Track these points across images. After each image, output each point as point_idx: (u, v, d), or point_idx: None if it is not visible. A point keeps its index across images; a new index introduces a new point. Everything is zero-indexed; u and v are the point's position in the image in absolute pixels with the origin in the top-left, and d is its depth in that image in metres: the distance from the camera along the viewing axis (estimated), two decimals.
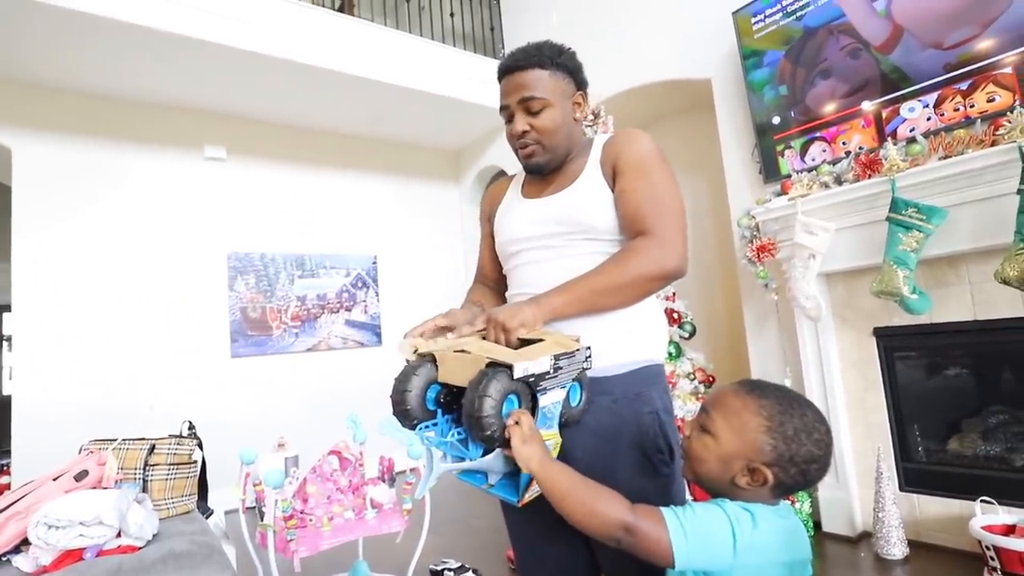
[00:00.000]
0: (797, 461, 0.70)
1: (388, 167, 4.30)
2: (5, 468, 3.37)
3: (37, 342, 2.92)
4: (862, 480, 2.24)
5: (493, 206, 1.24)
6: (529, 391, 0.80)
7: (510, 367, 0.76)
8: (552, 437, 0.83)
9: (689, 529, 0.68)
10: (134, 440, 1.48)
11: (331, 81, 3.25)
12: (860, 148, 2.17)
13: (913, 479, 2.14)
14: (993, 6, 1.83)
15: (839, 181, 2.21)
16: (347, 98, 3.49)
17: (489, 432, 0.75)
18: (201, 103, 3.41)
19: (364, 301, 4.04)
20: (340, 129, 3.99)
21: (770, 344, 2.59)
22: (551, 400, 0.83)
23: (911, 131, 2.03)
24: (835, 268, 2.25)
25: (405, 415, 0.84)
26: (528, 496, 0.81)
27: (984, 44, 1.86)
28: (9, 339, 6.60)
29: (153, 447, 1.46)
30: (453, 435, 0.84)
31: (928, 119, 1.99)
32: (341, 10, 4.06)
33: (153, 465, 1.43)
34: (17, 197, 2.96)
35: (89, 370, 3.02)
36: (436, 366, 0.86)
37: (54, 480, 1.22)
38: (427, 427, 0.84)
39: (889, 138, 2.08)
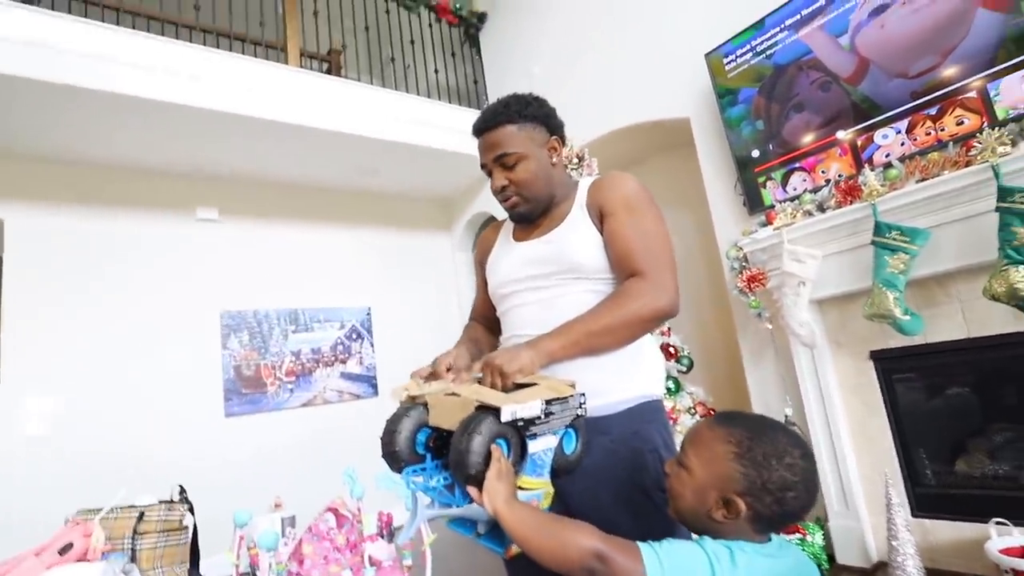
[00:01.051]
0: (771, 488, 0.68)
1: (379, 219, 4.36)
2: None
3: (26, 414, 2.86)
4: (872, 508, 2.18)
5: (485, 251, 1.28)
6: (519, 436, 0.78)
7: (499, 410, 0.75)
8: (543, 486, 0.81)
9: (666, 563, 0.65)
10: (123, 508, 1.43)
11: (321, 139, 3.32)
12: (839, 176, 2.22)
13: (924, 504, 2.09)
14: (950, 36, 1.92)
15: (822, 208, 2.25)
16: (337, 154, 3.57)
17: (474, 473, 0.74)
18: (192, 166, 3.47)
19: (359, 352, 4.01)
20: (331, 184, 4.06)
21: (768, 373, 2.57)
22: (542, 447, 0.81)
23: (887, 156, 2.09)
24: (826, 294, 2.26)
25: (393, 457, 0.83)
26: (515, 548, 0.78)
27: (947, 71, 1.94)
28: None
29: (142, 514, 1.41)
30: (439, 480, 0.82)
31: (902, 144, 2.05)
32: (329, 72, 4.21)
33: (142, 533, 1.38)
34: (8, 267, 2.96)
35: (79, 438, 2.94)
36: (427, 409, 0.85)
37: (36, 555, 1.17)
38: (415, 471, 0.83)
39: (866, 164, 2.13)
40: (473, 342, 1.20)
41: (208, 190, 3.63)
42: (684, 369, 2.66)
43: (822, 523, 2.27)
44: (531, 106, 1.11)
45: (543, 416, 0.80)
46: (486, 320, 1.28)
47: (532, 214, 1.13)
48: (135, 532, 1.38)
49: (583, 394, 0.87)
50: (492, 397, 0.79)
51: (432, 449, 0.86)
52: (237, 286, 3.61)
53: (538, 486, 0.80)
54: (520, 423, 0.77)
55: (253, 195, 3.79)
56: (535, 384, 0.85)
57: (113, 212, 3.30)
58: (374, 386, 4.00)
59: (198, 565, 1.70)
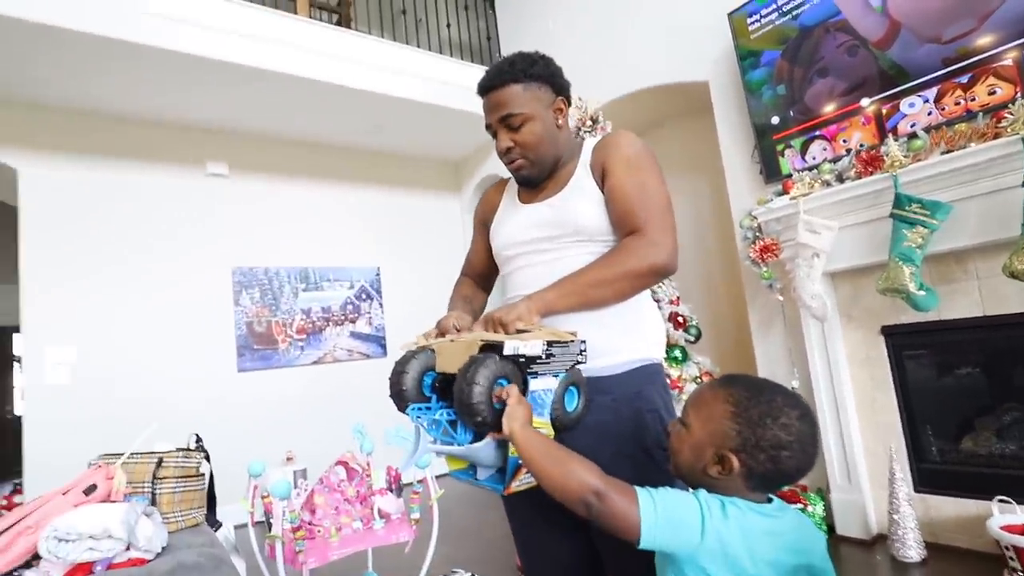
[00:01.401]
0: (764, 446, 0.70)
1: (389, 179, 4.33)
2: (18, 487, 3.38)
3: (46, 361, 2.93)
4: (875, 481, 2.21)
5: (488, 211, 1.27)
6: (520, 374, 0.81)
7: (501, 347, 0.78)
8: (543, 425, 0.83)
9: (660, 507, 0.69)
10: (142, 454, 1.48)
11: (331, 94, 3.27)
12: (861, 145, 2.16)
13: (927, 479, 2.12)
14: (988, 0, 1.83)
15: (840, 179, 2.20)
16: (347, 111, 3.52)
17: (480, 418, 0.77)
18: (202, 120, 3.44)
19: (368, 313, 4.05)
20: (341, 142, 4.01)
21: (777, 345, 2.57)
22: (542, 386, 0.83)
23: (912, 126, 2.03)
24: (840, 267, 2.23)
25: (400, 396, 0.86)
26: (515, 485, 0.81)
27: (983, 38, 1.86)
28: (19, 360, 6.65)
29: (161, 460, 1.46)
30: (443, 414, 0.85)
31: (929, 114, 1.99)
32: (339, 24, 4.10)
33: (161, 479, 1.43)
34: (24, 217, 2.99)
35: (98, 386, 3.02)
36: (434, 355, 0.89)
37: (63, 495, 1.22)
38: (420, 409, 0.86)
39: (890, 134, 2.07)
40: (465, 300, 1.23)
41: (218, 144, 3.60)
42: (692, 339, 2.67)
43: (823, 494, 2.31)
44: (537, 65, 1.08)
45: (543, 356, 0.82)
46: (479, 277, 1.30)
47: (538, 178, 1.12)
48: (154, 477, 1.42)
49: (583, 341, 0.89)
50: (494, 336, 0.82)
51: (437, 391, 0.89)
52: (248, 243, 3.63)
53: (539, 425, 0.82)
54: (522, 359, 0.80)
55: (263, 150, 3.76)
56: (538, 331, 0.88)
57: (124, 163, 3.30)
58: (383, 346, 4.05)
59: (215, 511, 1.76)
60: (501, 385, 0.79)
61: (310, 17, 3.39)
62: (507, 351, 0.78)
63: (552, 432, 0.84)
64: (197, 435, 1.79)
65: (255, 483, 1.69)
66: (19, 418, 3.00)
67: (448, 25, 4.05)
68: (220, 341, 3.45)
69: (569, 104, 1.13)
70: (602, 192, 1.05)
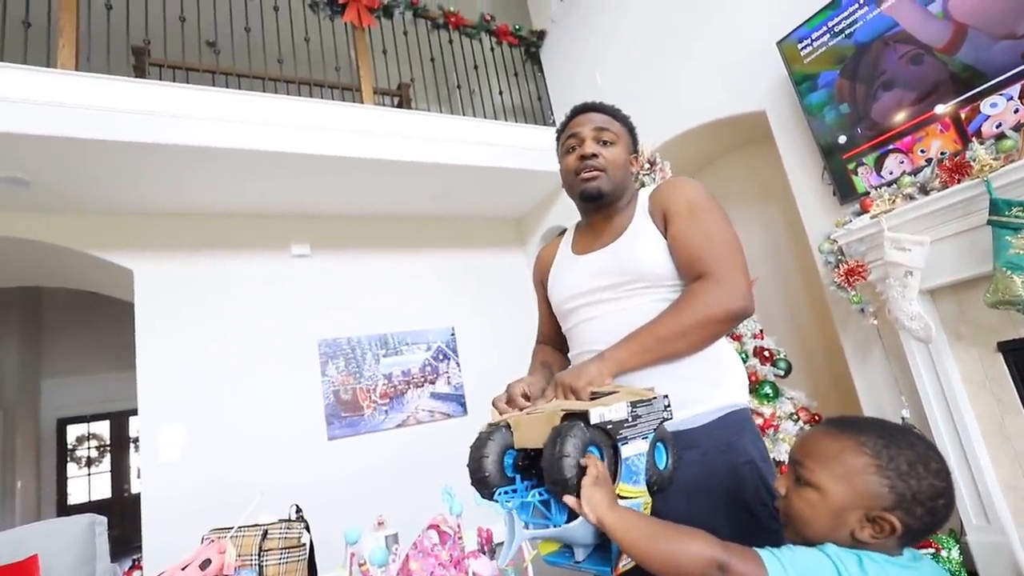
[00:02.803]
0: (921, 499, 0.61)
1: (457, 241, 4.50)
2: (137, 563, 3.60)
3: (159, 441, 3.18)
4: (1020, 518, 1.95)
5: (544, 269, 1.26)
6: (610, 441, 0.76)
7: (586, 415, 0.74)
8: (641, 494, 0.78)
9: (790, 568, 0.61)
10: (248, 527, 1.56)
11: (398, 170, 3.49)
12: (943, 153, 2.04)
13: None
14: None
15: (925, 191, 2.07)
16: (413, 183, 3.73)
17: (569, 479, 0.71)
18: (285, 207, 3.76)
19: (447, 373, 4.13)
20: (409, 212, 4.24)
21: (878, 373, 2.38)
22: (634, 451, 0.78)
23: (997, 127, 1.90)
24: (939, 283, 2.07)
25: (483, 483, 0.81)
26: (623, 565, 0.74)
27: None
28: (136, 441, 7.25)
29: (266, 532, 1.53)
30: (534, 495, 0.80)
31: (1015, 111, 1.86)
32: (399, 106, 4.43)
33: (267, 550, 1.50)
34: (139, 312, 3.33)
35: (205, 463, 3.23)
36: (511, 432, 0.84)
37: (182, 570, 1.30)
38: (506, 493, 0.81)
39: (973, 138, 1.94)
40: (544, 366, 1.19)
41: (300, 227, 3.91)
42: (782, 373, 2.52)
43: (957, 536, 2.06)
44: (629, 119, 1.18)
45: (630, 419, 0.78)
46: (553, 340, 1.26)
47: (606, 197, 1.10)
48: (260, 549, 1.49)
49: (666, 396, 0.84)
50: (576, 404, 0.78)
51: (521, 470, 0.84)
52: (331, 315, 3.84)
53: (637, 494, 0.77)
54: (609, 426, 0.75)
55: (340, 228, 4.04)
56: (614, 392, 0.84)
57: (220, 253, 3.64)
58: (463, 404, 4.10)
59: None
60: (592, 452, 0.75)
61: (374, 103, 3.68)
62: (594, 420, 0.73)
63: (650, 499, 0.80)
64: (297, 506, 1.87)
65: (351, 550, 1.73)
66: (137, 496, 3.24)
67: (500, 92, 4.27)
68: (311, 411, 3.62)
69: (637, 163, 1.19)
70: (665, 238, 1.03)
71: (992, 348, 2.02)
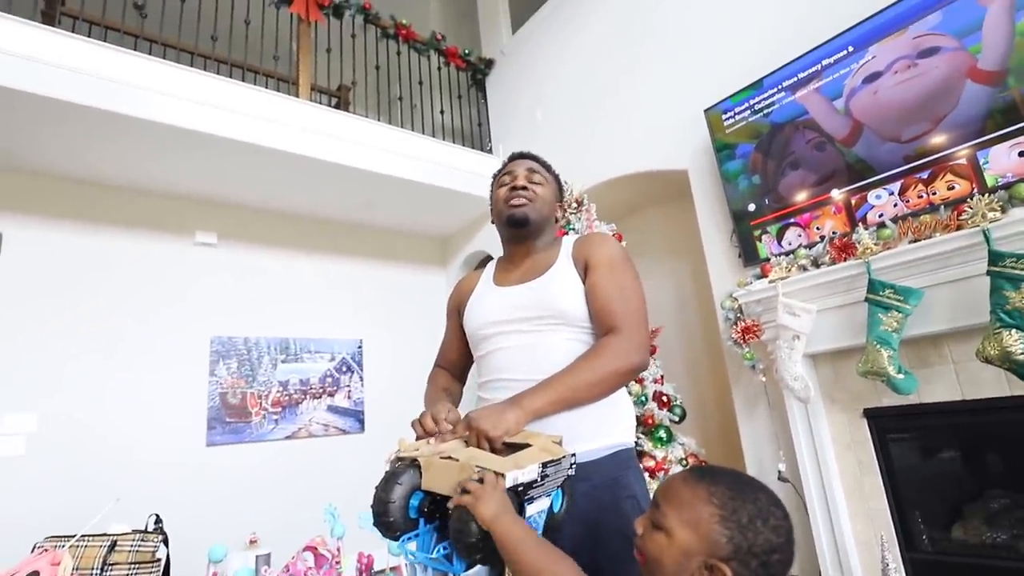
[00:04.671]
0: (756, 552, 0.64)
1: (376, 253, 4.38)
2: None
3: (3, 430, 2.78)
4: (868, 572, 2.13)
5: (462, 298, 1.32)
6: (518, 500, 0.78)
7: (501, 477, 0.75)
8: None
9: None
10: (94, 536, 1.38)
11: (325, 171, 3.37)
12: (834, 233, 2.26)
13: (921, 571, 2.04)
14: (940, 106, 2.00)
15: (816, 264, 2.28)
16: (340, 187, 3.61)
17: (480, 555, 0.73)
18: (195, 190, 3.50)
19: (348, 386, 3.96)
20: (331, 216, 4.09)
21: (761, 426, 2.55)
22: (537, 509, 0.81)
23: (880, 216, 2.14)
24: (820, 348, 2.27)
25: (388, 527, 0.80)
26: None
27: (938, 138, 2.01)
28: None
29: (115, 543, 1.36)
30: (438, 551, 0.79)
31: (895, 205, 2.10)
32: (337, 107, 4.30)
33: (113, 564, 1.33)
34: (2, 280, 2.94)
35: (56, 458, 2.86)
36: (419, 471, 0.83)
37: None
38: (409, 539, 0.81)
39: (860, 223, 2.17)
40: (445, 391, 1.24)
41: (208, 214, 3.65)
42: (676, 419, 2.64)
43: None
44: (557, 173, 1.33)
45: (539, 479, 0.80)
46: (453, 367, 1.33)
47: (531, 223, 1.20)
48: (104, 563, 1.32)
49: (574, 454, 0.89)
50: (490, 462, 0.78)
51: (425, 513, 0.83)
52: (230, 312, 3.59)
53: None
54: (520, 488, 0.77)
55: (252, 221, 3.81)
56: (524, 444, 0.86)
57: (112, 230, 3.31)
58: (361, 421, 3.93)
59: None
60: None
61: (311, 100, 3.55)
62: (507, 484, 0.75)
63: None
64: (157, 515, 1.68)
65: (214, 569, 1.58)
66: None
67: (442, 112, 4.27)
68: (191, 413, 3.32)
69: (561, 211, 1.32)
70: (583, 284, 1.13)
71: (859, 413, 2.23)
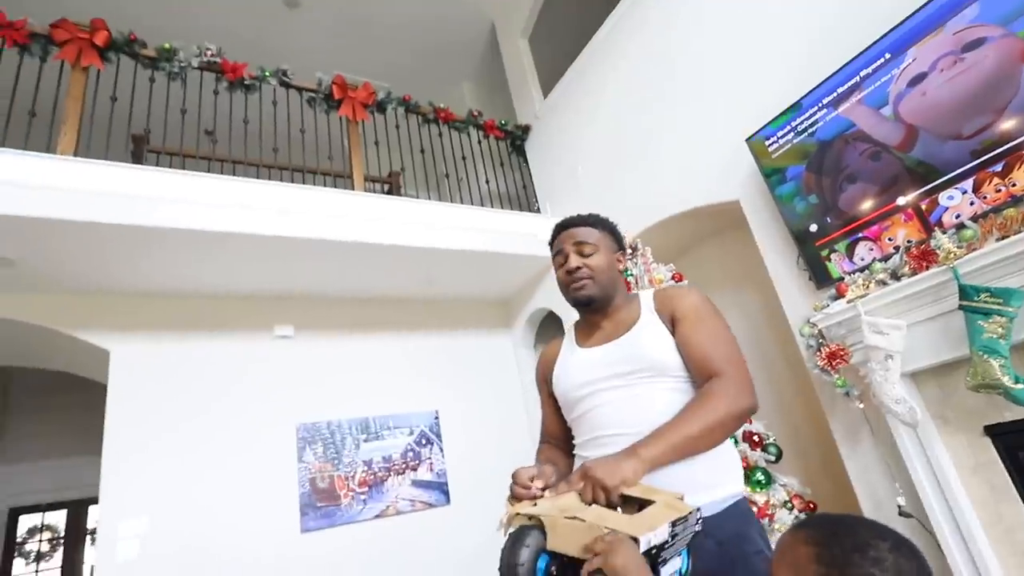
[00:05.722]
0: None
1: (442, 324, 4.49)
2: None
3: (119, 535, 2.96)
4: None
5: (548, 366, 1.32)
6: (650, 563, 0.75)
7: (634, 541, 0.73)
8: None
9: None
10: None
11: (384, 253, 3.55)
12: (909, 241, 2.14)
13: None
14: (1001, 92, 1.90)
15: (896, 276, 2.15)
16: (400, 266, 3.78)
17: None
18: (270, 288, 3.76)
19: (429, 459, 3.98)
20: (396, 295, 4.27)
21: (869, 458, 2.34)
22: (671, 570, 0.79)
23: (957, 217, 2.01)
24: (919, 366, 2.09)
25: None
26: None
27: (1005, 126, 1.89)
28: (93, 532, 6.72)
29: None
30: None
31: (971, 204, 1.97)
32: (389, 192, 4.58)
33: None
34: (112, 393, 3.21)
35: (167, 560, 3.00)
36: (543, 532, 0.82)
37: None
38: None
39: (936, 227, 2.05)
40: (550, 463, 1.19)
41: (284, 309, 3.89)
42: (772, 458, 2.47)
43: None
44: (608, 222, 1.30)
45: (671, 540, 0.78)
46: (557, 440, 1.29)
47: (596, 301, 1.20)
48: None
49: (699, 509, 0.85)
50: (620, 524, 0.76)
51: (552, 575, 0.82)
52: (312, 398, 3.74)
53: None
54: (653, 551, 0.75)
55: (325, 310, 4.03)
56: (645, 500, 0.83)
57: (200, 336, 3.58)
58: (446, 492, 3.91)
59: None
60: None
61: (365, 191, 3.80)
62: (642, 547, 0.73)
63: None
64: None
65: None
66: None
67: (487, 181, 4.45)
68: (285, 501, 3.43)
69: (625, 260, 1.31)
70: (673, 336, 1.14)
71: (979, 432, 2.02)
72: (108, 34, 3.19)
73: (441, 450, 4.04)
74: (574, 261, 1.21)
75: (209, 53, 3.49)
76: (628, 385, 1.09)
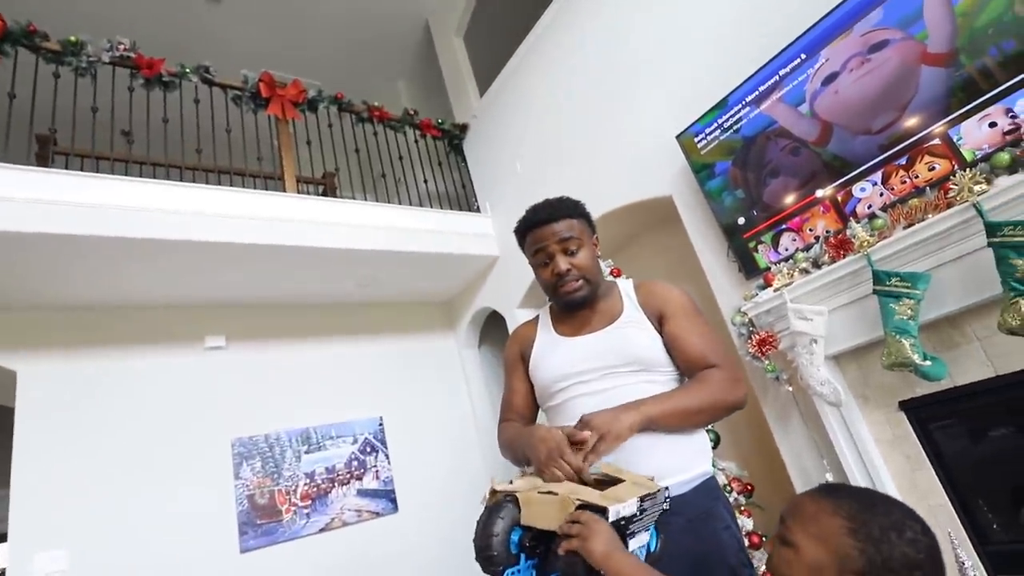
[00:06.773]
0: (894, 567, 0.60)
1: (383, 327, 4.40)
2: None
3: (35, 572, 2.71)
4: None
5: (525, 346, 1.29)
6: (621, 536, 0.79)
7: (603, 510, 0.76)
8: None
9: None
10: None
11: (320, 257, 3.43)
12: (827, 231, 2.26)
13: (1000, 564, 1.92)
14: (902, 93, 2.04)
15: (817, 265, 2.27)
16: (336, 270, 3.67)
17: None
18: (199, 297, 3.56)
19: (375, 467, 3.88)
20: (333, 299, 4.14)
21: (799, 438, 2.47)
22: (638, 544, 0.82)
23: (869, 208, 2.15)
24: (840, 348, 2.23)
25: (490, 561, 0.81)
26: None
27: (908, 123, 2.04)
28: (3, 573, 6.14)
29: None
30: None
31: (881, 194, 2.12)
32: (324, 194, 4.43)
33: None
34: (19, 418, 2.94)
35: None
36: (517, 507, 0.84)
37: None
38: (514, 573, 0.82)
39: (851, 218, 2.18)
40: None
41: (214, 318, 3.69)
42: (712, 445, 2.56)
43: None
44: (581, 206, 1.24)
45: (639, 513, 0.81)
46: (524, 420, 1.26)
47: (588, 300, 1.20)
48: None
49: (667, 488, 0.90)
50: (592, 496, 0.80)
51: (526, 548, 0.84)
52: (247, 412, 3.57)
53: None
54: (622, 522, 0.79)
55: (258, 319, 3.85)
56: (616, 479, 0.87)
57: (123, 351, 3.34)
58: (393, 500, 3.83)
59: None
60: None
61: (297, 192, 3.66)
62: (611, 517, 0.77)
63: None
64: None
65: None
66: None
67: (425, 181, 4.39)
68: (221, 521, 3.25)
69: (599, 244, 1.28)
70: (659, 333, 1.17)
71: (895, 407, 2.17)
72: (3, 24, 2.92)
73: (387, 457, 3.95)
74: (562, 263, 1.16)
75: (122, 47, 3.26)
76: (612, 377, 1.11)
